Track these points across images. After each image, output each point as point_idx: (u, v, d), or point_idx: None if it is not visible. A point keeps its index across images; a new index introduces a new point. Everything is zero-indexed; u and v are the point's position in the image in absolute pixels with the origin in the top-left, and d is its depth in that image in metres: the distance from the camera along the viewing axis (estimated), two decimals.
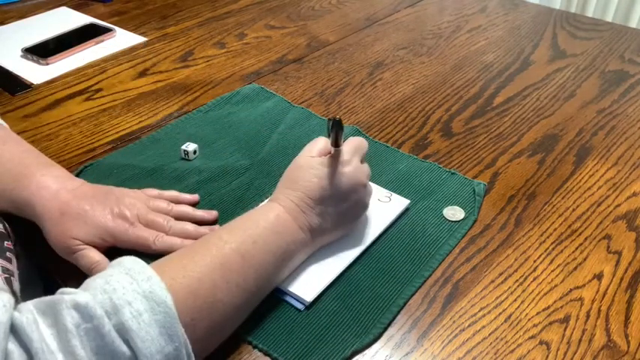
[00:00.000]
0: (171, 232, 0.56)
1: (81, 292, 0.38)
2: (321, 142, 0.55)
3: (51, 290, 0.63)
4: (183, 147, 0.69)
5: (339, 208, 0.53)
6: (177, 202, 0.60)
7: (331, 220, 0.53)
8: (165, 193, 0.61)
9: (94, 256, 0.52)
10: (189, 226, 0.57)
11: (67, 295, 0.37)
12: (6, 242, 0.52)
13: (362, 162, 0.56)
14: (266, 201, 0.54)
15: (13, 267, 0.50)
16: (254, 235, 0.48)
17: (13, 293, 0.48)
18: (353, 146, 0.55)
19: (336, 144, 0.52)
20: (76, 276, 0.53)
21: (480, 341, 0.48)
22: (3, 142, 0.58)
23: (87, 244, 0.53)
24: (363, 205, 0.56)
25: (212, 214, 0.60)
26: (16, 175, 0.55)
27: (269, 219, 0.50)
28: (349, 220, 0.55)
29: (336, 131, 0.51)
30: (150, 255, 0.53)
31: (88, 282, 0.40)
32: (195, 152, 0.69)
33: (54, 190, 0.54)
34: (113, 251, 0.54)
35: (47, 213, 0.52)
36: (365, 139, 0.72)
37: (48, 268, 0.57)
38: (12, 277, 0.49)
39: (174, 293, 0.40)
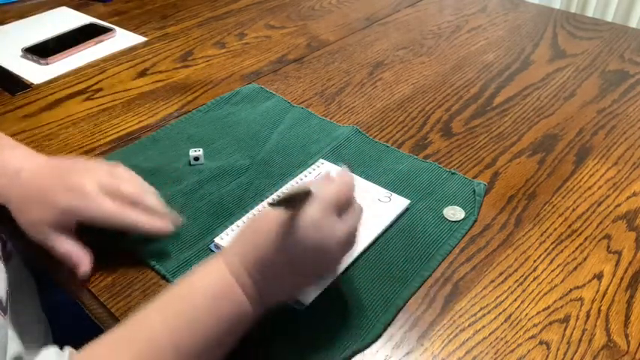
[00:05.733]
0: (140, 205, 0.51)
1: None
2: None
3: (45, 290, 0.63)
4: (193, 153, 0.67)
5: (301, 279, 0.46)
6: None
7: (289, 287, 0.46)
8: (134, 176, 0.56)
9: (62, 244, 0.49)
10: (157, 202, 0.52)
11: None
12: None
13: (350, 207, 0.47)
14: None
15: None
16: (190, 317, 0.41)
17: None
18: (328, 199, 0.44)
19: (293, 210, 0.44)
20: (72, 275, 0.53)
21: (480, 341, 0.48)
22: None
23: (53, 225, 0.50)
24: (333, 268, 0.50)
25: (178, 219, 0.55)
26: None
27: (211, 292, 0.43)
28: (311, 281, 0.49)
29: (298, 203, 0.43)
30: (146, 260, 0.53)
31: None
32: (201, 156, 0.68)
33: (13, 172, 0.51)
34: (118, 262, 0.54)
35: (11, 198, 0.50)
36: (365, 139, 0.73)
37: (41, 267, 0.56)
38: None
39: None
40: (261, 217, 0.45)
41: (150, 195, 0.53)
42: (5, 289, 0.49)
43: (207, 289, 0.43)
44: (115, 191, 0.51)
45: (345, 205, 0.46)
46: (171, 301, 0.43)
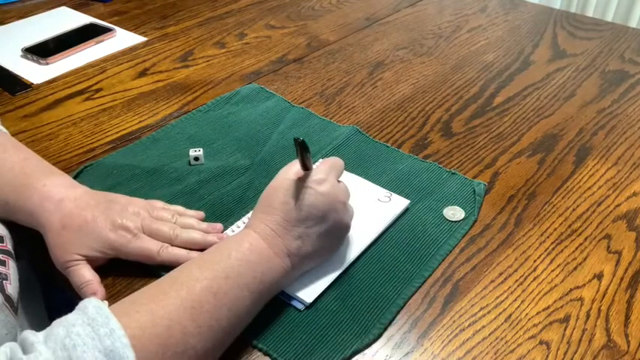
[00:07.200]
0: (178, 240, 0.54)
1: (42, 347, 0.36)
2: (298, 164, 0.52)
3: (50, 293, 0.63)
4: (193, 153, 0.67)
5: (319, 229, 0.50)
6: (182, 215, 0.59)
7: (311, 242, 0.50)
8: (171, 207, 0.59)
9: (85, 274, 0.51)
10: (196, 234, 0.55)
11: (26, 356, 0.36)
12: None
13: (339, 181, 0.53)
14: (242, 227, 0.51)
15: (7, 269, 0.50)
16: (226, 268, 0.45)
17: (7, 297, 0.47)
18: (328, 165, 0.53)
19: (305, 167, 0.50)
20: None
21: (480, 341, 0.48)
22: (3, 149, 0.57)
23: (88, 257, 0.52)
24: (345, 226, 0.53)
25: (216, 227, 0.57)
26: (18, 186, 0.54)
27: (242, 249, 0.47)
28: (331, 243, 0.53)
29: (301, 153, 0.49)
30: (155, 266, 0.53)
31: (52, 328, 0.38)
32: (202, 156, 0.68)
33: (57, 200, 0.53)
34: (118, 261, 0.53)
35: (49, 225, 0.52)
36: (365, 138, 0.73)
37: (48, 272, 0.57)
38: (5, 281, 0.48)
39: (141, 348, 0.38)
40: (274, 185, 0.51)
41: (184, 231, 0.55)
42: (17, 289, 0.50)
43: (239, 244, 0.48)
44: (155, 232, 0.54)
45: (339, 173, 0.54)
46: (207, 255, 0.48)
